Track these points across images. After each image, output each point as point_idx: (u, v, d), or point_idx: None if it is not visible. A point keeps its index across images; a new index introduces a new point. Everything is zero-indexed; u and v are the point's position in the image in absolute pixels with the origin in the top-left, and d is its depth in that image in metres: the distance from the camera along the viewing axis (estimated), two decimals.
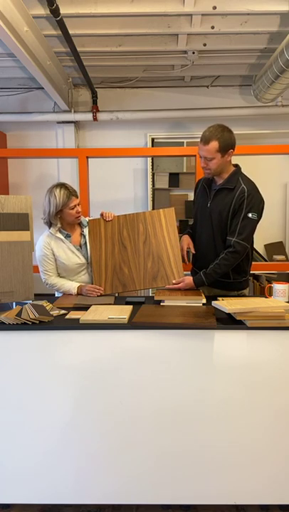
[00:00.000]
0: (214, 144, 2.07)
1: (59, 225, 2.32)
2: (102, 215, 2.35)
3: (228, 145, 2.10)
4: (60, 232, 2.34)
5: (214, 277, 2.14)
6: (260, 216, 2.16)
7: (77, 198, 2.30)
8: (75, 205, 2.28)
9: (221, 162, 2.13)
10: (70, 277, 2.39)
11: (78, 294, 2.29)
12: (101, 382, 1.74)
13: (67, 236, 2.36)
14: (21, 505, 1.92)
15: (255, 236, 2.29)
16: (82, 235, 2.42)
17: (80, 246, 2.39)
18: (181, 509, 1.90)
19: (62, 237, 2.33)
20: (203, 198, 2.32)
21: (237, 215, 2.12)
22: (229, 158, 2.15)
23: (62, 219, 2.33)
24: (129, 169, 4.70)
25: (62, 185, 2.28)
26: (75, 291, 2.29)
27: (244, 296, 2.37)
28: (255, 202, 2.12)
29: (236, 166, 2.25)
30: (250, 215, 2.10)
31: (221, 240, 2.21)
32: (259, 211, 2.14)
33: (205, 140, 2.08)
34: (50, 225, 2.33)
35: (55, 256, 2.33)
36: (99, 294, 2.24)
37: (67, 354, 1.74)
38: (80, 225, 2.43)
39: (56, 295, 2.42)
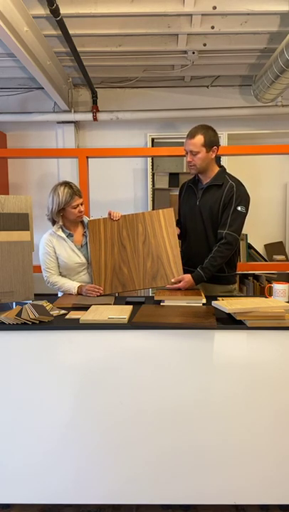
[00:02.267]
0: (200, 138, 2.20)
1: (61, 223, 2.35)
2: (109, 214, 2.36)
3: (212, 141, 2.23)
4: (63, 231, 2.36)
5: (212, 271, 2.18)
6: (247, 209, 2.25)
7: (81, 197, 2.33)
8: (78, 205, 2.31)
9: (205, 157, 2.23)
10: (70, 276, 2.40)
11: (78, 293, 2.29)
12: (101, 382, 1.74)
13: (70, 235, 2.38)
14: (21, 505, 1.92)
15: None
16: (84, 235, 2.43)
17: (82, 246, 2.40)
18: (181, 509, 1.90)
19: (64, 236, 2.35)
20: (190, 198, 2.39)
21: (227, 208, 2.22)
22: (213, 156, 2.26)
23: (64, 217, 2.35)
24: (129, 169, 4.69)
25: (66, 184, 2.31)
26: (75, 290, 2.29)
27: (235, 290, 2.44)
28: (243, 196, 2.23)
29: (222, 166, 2.36)
30: (239, 208, 2.20)
31: (213, 236, 2.27)
32: (247, 205, 2.25)
33: (191, 135, 2.22)
34: (53, 222, 2.36)
35: (57, 254, 2.35)
36: (98, 294, 2.24)
37: (67, 354, 1.74)
38: (83, 224, 2.45)
39: (59, 295, 2.43)
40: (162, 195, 4.63)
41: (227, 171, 2.35)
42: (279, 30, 3.22)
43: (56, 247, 2.34)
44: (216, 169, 2.32)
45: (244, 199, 2.23)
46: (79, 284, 2.32)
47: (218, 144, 2.26)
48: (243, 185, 2.27)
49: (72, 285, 2.32)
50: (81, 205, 2.33)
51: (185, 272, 2.27)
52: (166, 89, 4.58)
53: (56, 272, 2.38)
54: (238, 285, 2.53)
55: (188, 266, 2.34)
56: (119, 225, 2.34)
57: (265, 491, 1.78)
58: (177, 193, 4.51)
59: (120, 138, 4.63)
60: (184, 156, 4.57)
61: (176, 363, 1.73)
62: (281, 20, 3.14)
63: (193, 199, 2.36)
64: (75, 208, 2.30)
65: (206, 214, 2.27)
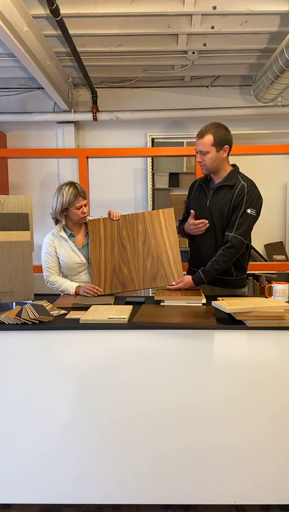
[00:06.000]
0: (209, 138, 2.13)
1: (63, 223, 2.36)
2: (109, 214, 2.36)
3: (223, 140, 2.15)
4: (65, 231, 2.38)
5: (213, 274, 2.14)
6: (258, 213, 2.19)
7: (85, 199, 2.33)
8: (82, 206, 2.32)
9: (216, 157, 2.17)
10: (71, 276, 2.41)
11: (76, 294, 2.30)
12: (101, 382, 1.74)
13: (71, 236, 2.40)
14: (21, 505, 1.92)
15: (255, 236, 2.29)
16: (86, 235, 2.43)
17: (83, 246, 2.41)
18: (181, 509, 1.90)
19: (65, 236, 2.36)
20: (201, 197, 2.33)
21: (236, 210, 2.15)
22: (225, 155, 2.20)
23: (67, 217, 2.36)
24: (129, 169, 4.69)
25: (72, 184, 2.32)
26: (73, 291, 2.30)
27: (245, 294, 2.38)
28: (254, 198, 2.16)
29: (234, 165, 2.28)
30: (248, 210, 2.13)
31: (222, 237, 2.21)
32: (258, 207, 2.18)
33: (201, 134, 2.16)
34: (56, 221, 2.38)
35: (58, 254, 2.36)
36: (96, 294, 2.24)
37: (67, 354, 1.74)
38: (86, 225, 2.45)
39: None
40: (162, 195, 4.64)
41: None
42: (279, 30, 3.22)
43: (57, 247, 2.36)
44: (229, 168, 2.25)
45: (255, 201, 2.15)
46: (77, 285, 2.32)
47: (230, 143, 2.18)
48: (256, 187, 2.20)
49: (70, 285, 2.32)
50: (85, 206, 2.33)
51: (191, 272, 2.25)
52: (166, 89, 4.58)
53: (56, 272, 2.38)
54: (247, 290, 2.47)
55: (195, 267, 2.30)
56: (119, 225, 2.34)
57: (265, 491, 1.78)
58: (177, 193, 4.42)
59: (120, 138, 4.62)
60: (184, 156, 4.57)
61: (176, 363, 1.73)
62: (281, 20, 3.14)
63: (203, 199, 2.30)
64: (78, 209, 2.31)
65: (217, 215, 2.21)
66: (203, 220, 2.21)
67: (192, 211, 2.26)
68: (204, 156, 2.16)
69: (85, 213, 2.34)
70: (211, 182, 2.30)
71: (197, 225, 2.22)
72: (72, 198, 2.27)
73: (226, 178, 2.22)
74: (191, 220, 2.25)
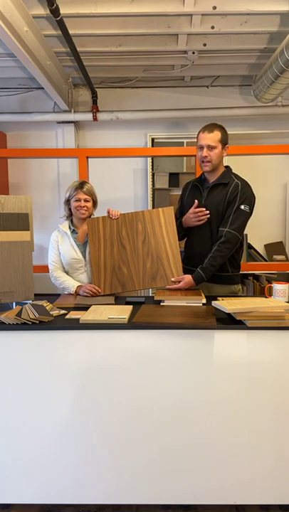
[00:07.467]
0: (218, 134, 2.22)
1: (65, 214, 2.49)
2: (108, 212, 2.37)
3: (226, 139, 2.26)
4: (69, 227, 2.46)
5: (212, 271, 2.17)
6: (251, 210, 2.24)
7: (86, 194, 2.41)
8: (80, 199, 2.39)
9: (220, 154, 2.25)
10: (70, 274, 2.44)
11: (76, 293, 2.30)
12: (101, 382, 1.74)
13: (74, 232, 2.46)
14: (21, 505, 1.92)
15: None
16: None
17: (84, 243, 2.45)
18: (181, 509, 1.90)
19: (68, 232, 2.44)
20: (196, 197, 2.36)
21: (230, 206, 2.21)
22: (225, 154, 2.28)
23: (72, 212, 2.47)
24: (129, 169, 4.69)
25: (79, 181, 2.48)
26: (73, 289, 2.31)
27: (239, 291, 2.42)
28: (248, 195, 2.23)
29: (227, 166, 2.36)
30: (242, 207, 2.19)
31: (218, 235, 2.24)
32: (251, 205, 2.24)
33: (209, 129, 2.22)
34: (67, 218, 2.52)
35: (59, 249, 2.43)
36: (96, 294, 2.24)
37: (67, 354, 1.74)
38: None
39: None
40: (162, 195, 4.63)
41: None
42: (279, 30, 3.22)
43: (60, 242, 2.43)
44: (223, 169, 2.33)
45: (248, 199, 2.22)
46: (78, 284, 2.33)
47: (228, 143, 2.29)
48: (250, 186, 2.27)
49: (71, 283, 2.35)
50: (85, 201, 2.40)
51: (187, 272, 2.26)
52: (166, 89, 4.58)
53: (60, 267, 2.44)
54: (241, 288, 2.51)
55: (190, 266, 2.32)
56: (118, 224, 2.34)
57: (265, 491, 1.78)
58: (177, 193, 4.45)
59: (120, 138, 4.62)
60: (184, 156, 4.57)
61: (176, 363, 1.73)
62: (281, 20, 3.14)
63: (198, 198, 2.34)
64: (76, 202, 2.39)
65: (212, 213, 2.25)
66: (202, 209, 2.25)
67: (196, 201, 2.29)
68: (211, 151, 2.21)
69: (82, 207, 2.39)
70: (206, 181, 2.35)
71: (197, 213, 2.25)
72: (73, 191, 2.40)
73: (221, 176, 2.29)
74: (191, 209, 2.29)
